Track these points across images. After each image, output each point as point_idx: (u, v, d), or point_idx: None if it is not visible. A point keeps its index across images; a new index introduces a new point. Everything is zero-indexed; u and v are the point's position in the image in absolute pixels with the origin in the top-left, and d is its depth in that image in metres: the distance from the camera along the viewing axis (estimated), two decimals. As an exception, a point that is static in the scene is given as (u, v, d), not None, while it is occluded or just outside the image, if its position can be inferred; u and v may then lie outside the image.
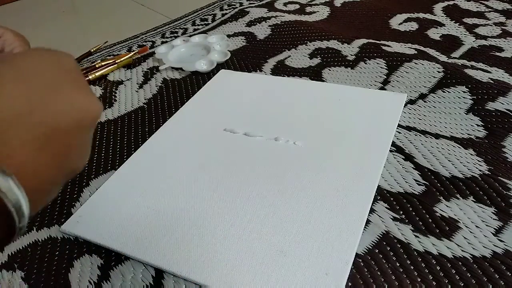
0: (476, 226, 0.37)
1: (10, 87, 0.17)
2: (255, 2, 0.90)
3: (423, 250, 0.35)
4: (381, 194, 0.41)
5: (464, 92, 0.52)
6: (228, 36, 0.76)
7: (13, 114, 0.17)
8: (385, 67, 0.59)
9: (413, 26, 0.72)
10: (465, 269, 0.34)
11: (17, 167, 0.17)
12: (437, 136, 0.47)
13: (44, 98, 0.18)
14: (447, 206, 0.39)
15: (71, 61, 0.22)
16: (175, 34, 0.80)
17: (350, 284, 0.33)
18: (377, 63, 0.60)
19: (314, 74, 0.61)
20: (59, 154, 0.19)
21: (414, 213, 0.39)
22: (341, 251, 0.35)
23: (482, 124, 0.48)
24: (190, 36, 0.76)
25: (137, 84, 0.65)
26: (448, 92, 0.53)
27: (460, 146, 0.45)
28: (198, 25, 0.83)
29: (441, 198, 0.40)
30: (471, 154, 0.44)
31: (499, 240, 0.36)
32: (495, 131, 0.46)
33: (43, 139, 0.18)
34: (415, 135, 0.48)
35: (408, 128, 0.49)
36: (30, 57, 0.20)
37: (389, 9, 0.80)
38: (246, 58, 0.68)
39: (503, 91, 0.51)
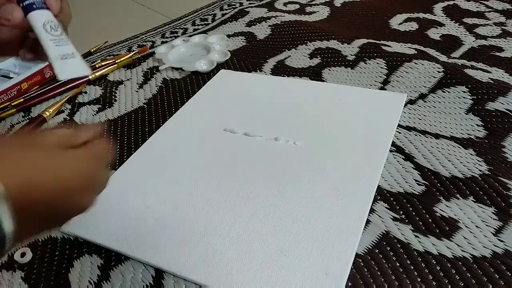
0: (476, 226, 0.37)
1: (41, 180, 0.24)
2: (255, 2, 0.90)
3: (423, 250, 0.35)
4: (381, 194, 0.41)
5: (464, 92, 0.52)
6: (228, 36, 0.76)
7: (36, 194, 0.23)
8: (385, 67, 0.59)
9: (413, 26, 0.72)
10: (465, 269, 0.34)
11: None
12: (437, 136, 0.47)
13: (62, 196, 0.25)
14: (447, 206, 0.39)
15: (91, 170, 0.28)
16: (175, 34, 0.80)
17: (350, 284, 0.33)
18: (377, 63, 0.60)
19: (314, 74, 0.61)
20: (45, 226, 0.27)
21: (414, 213, 0.39)
22: (341, 251, 0.35)
23: (482, 124, 0.48)
24: (190, 36, 0.76)
25: (137, 84, 0.65)
26: (448, 92, 0.53)
27: (460, 146, 0.45)
28: (198, 25, 0.83)
29: (441, 198, 0.40)
30: (471, 154, 0.44)
31: (499, 240, 0.36)
32: (495, 131, 0.46)
33: (44, 219, 0.25)
34: (415, 135, 0.48)
35: (408, 128, 0.49)
36: (70, 159, 0.27)
37: (389, 9, 0.80)
38: (246, 58, 0.68)
39: (503, 91, 0.51)
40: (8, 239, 0.22)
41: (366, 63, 0.61)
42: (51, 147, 0.26)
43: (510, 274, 0.33)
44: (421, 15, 0.75)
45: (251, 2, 0.90)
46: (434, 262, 0.34)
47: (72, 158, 0.27)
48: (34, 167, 0.24)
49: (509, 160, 0.43)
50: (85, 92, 0.64)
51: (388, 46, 0.64)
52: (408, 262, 0.35)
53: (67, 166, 0.26)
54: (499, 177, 0.41)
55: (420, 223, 0.38)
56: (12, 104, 0.61)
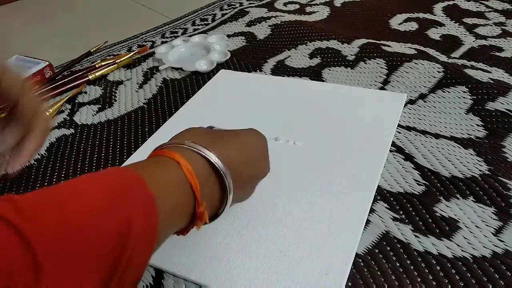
0: (476, 226, 0.37)
1: (235, 150, 0.31)
2: (255, 2, 0.90)
3: (423, 250, 0.35)
4: (381, 194, 0.41)
5: (464, 92, 0.52)
6: (228, 36, 0.76)
7: (236, 161, 0.31)
8: (385, 67, 0.59)
9: (413, 26, 0.72)
10: (465, 269, 0.34)
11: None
12: (437, 136, 0.47)
13: (249, 161, 0.33)
14: (447, 206, 0.39)
15: (264, 141, 0.35)
16: (175, 34, 0.80)
17: (350, 284, 0.33)
18: (377, 63, 0.60)
19: (314, 74, 0.61)
20: (241, 190, 0.33)
21: (414, 213, 0.39)
22: (341, 251, 0.35)
23: (482, 124, 0.48)
24: (190, 36, 0.76)
25: (137, 84, 0.65)
26: (448, 92, 0.53)
27: (460, 146, 0.45)
28: (198, 25, 0.83)
29: (441, 198, 0.40)
30: (471, 154, 0.44)
31: (499, 240, 0.36)
32: (495, 131, 0.46)
33: (240, 180, 0.31)
34: (415, 135, 0.48)
35: (408, 128, 0.49)
36: (247, 135, 0.34)
37: (389, 9, 0.80)
38: (246, 58, 0.68)
39: (503, 91, 0.51)
40: (230, 198, 0.30)
41: (366, 63, 0.61)
42: (222, 131, 0.34)
43: (510, 274, 0.33)
44: (421, 15, 0.75)
45: (251, 2, 0.90)
46: (434, 262, 0.34)
47: (239, 134, 0.33)
48: (222, 145, 0.31)
49: (509, 160, 0.43)
50: (85, 92, 0.64)
51: (388, 46, 0.64)
52: (408, 262, 0.35)
53: (243, 140, 0.33)
54: (499, 177, 0.41)
55: (420, 223, 0.38)
56: (12, 104, 0.61)
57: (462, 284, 0.33)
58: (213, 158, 0.28)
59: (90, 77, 0.66)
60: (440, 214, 0.38)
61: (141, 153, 0.49)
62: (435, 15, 0.75)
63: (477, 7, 0.76)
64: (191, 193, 0.27)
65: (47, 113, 0.58)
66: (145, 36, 0.81)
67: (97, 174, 0.24)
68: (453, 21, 0.72)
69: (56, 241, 0.19)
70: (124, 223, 0.22)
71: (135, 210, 0.22)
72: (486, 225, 0.37)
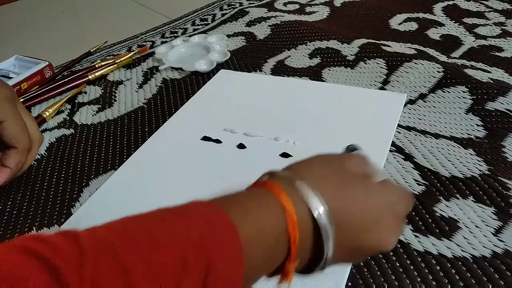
0: (476, 226, 0.37)
1: (358, 208, 0.24)
2: (255, 2, 0.90)
3: (423, 250, 0.35)
4: (381, 194, 0.41)
5: (464, 92, 0.52)
6: (228, 36, 0.76)
7: (352, 224, 0.24)
8: (385, 67, 0.59)
9: (413, 26, 0.72)
10: (465, 269, 0.34)
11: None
12: (437, 136, 0.47)
13: (372, 227, 0.24)
14: (447, 206, 0.39)
15: (401, 203, 0.26)
16: (175, 34, 0.80)
17: (350, 284, 0.33)
18: (377, 63, 0.60)
19: (314, 74, 0.61)
20: (349, 256, 0.26)
21: (414, 213, 0.39)
22: (341, 251, 0.35)
23: (482, 124, 0.48)
24: (190, 36, 0.76)
25: (137, 84, 0.65)
26: (448, 92, 0.53)
27: (460, 146, 0.45)
28: (198, 25, 0.83)
29: (441, 198, 0.40)
30: (471, 154, 0.44)
31: (499, 240, 0.36)
32: (495, 131, 0.46)
33: (348, 246, 0.24)
34: (415, 135, 0.48)
35: (408, 128, 0.49)
36: (385, 190, 0.26)
37: (389, 9, 0.80)
38: (246, 58, 0.68)
39: (503, 91, 0.51)
40: (328, 261, 0.23)
41: (366, 63, 0.61)
42: (356, 175, 0.26)
43: (510, 274, 0.33)
44: (421, 15, 0.75)
45: (251, 2, 0.90)
46: (434, 262, 0.34)
47: (379, 191, 0.25)
48: (344, 194, 0.24)
49: (509, 160, 0.43)
50: (85, 92, 0.64)
51: (388, 46, 0.64)
52: (408, 262, 0.35)
53: (374, 197, 0.25)
54: (499, 177, 0.41)
55: (420, 223, 0.38)
56: (12, 104, 0.61)
57: (462, 284, 0.33)
58: (320, 215, 0.22)
59: (90, 77, 0.66)
60: (440, 214, 0.38)
61: (141, 153, 0.49)
62: (435, 15, 0.75)
63: (477, 7, 0.76)
64: (286, 245, 0.22)
65: (47, 113, 0.58)
66: (145, 36, 0.81)
67: (180, 214, 0.21)
68: (453, 21, 0.72)
69: None
70: (202, 278, 0.19)
71: (217, 267, 0.19)
72: (486, 225, 0.37)
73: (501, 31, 0.67)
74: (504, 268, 0.33)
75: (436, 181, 0.42)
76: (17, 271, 0.16)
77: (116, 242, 0.18)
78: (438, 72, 0.55)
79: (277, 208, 0.22)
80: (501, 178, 0.41)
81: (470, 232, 0.37)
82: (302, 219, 0.22)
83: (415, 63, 0.58)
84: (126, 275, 0.17)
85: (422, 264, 0.34)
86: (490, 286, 0.32)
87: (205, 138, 0.49)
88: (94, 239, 0.18)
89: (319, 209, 0.22)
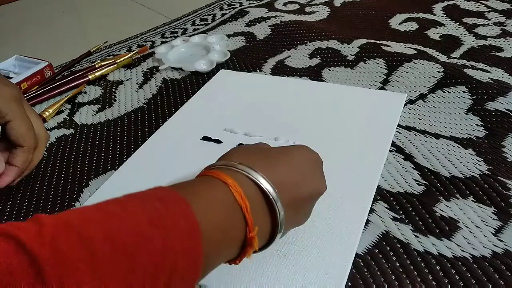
0: (476, 226, 0.37)
1: (285, 169, 0.29)
2: (255, 2, 0.90)
3: (423, 250, 0.35)
4: (381, 194, 0.41)
5: (464, 92, 0.52)
6: (228, 36, 0.76)
7: (287, 182, 0.28)
8: (385, 67, 0.59)
9: (413, 26, 0.72)
10: (465, 269, 0.34)
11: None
12: (437, 136, 0.47)
13: (302, 179, 0.30)
14: (447, 206, 0.39)
15: (317, 157, 0.33)
16: (175, 34, 0.80)
17: (350, 284, 0.33)
18: (377, 63, 0.60)
19: (314, 74, 0.61)
20: (296, 212, 0.30)
21: (414, 213, 0.39)
22: (341, 251, 0.35)
23: (482, 124, 0.48)
24: (190, 36, 0.76)
25: (137, 84, 0.65)
26: (448, 92, 0.53)
27: (460, 146, 0.45)
28: (198, 25, 0.83)
29: (441, 198, 0.40)
30: (471, 154, 0.44)
31: (499, 240, 0.36)
32: (495, 131, 0.46)
33: (293, 201, 0.29)
34: (415, 135, 0.48)
35: (408, 128, 0.49)
36: (298, 152, 0.31)
37: (389, 9, 0.80)
38: (246, 58, 0.68)
39: (503, 91, 0.51)
40: (282, 222, 0.28)
41: (366, 63, 0.61)
42: (272, 148, 0.32)
43: (510, 274, 0.33)
44: (421, 15, 0.75)
45: (251, 2, 0.90)
46: (434, 262, 0.34)
47: (294, 151, 0.31)
48: (270, 162, 0.29)
49: (509, 160, 0.43)
50: (85, 92, 0.64)
51: (388, 46, 0.64)
52: (408, 262, 0.35)
53: (293, 156, 0.31)
54: (499, 177, 0.41)
55: (420, 223, 0.38)
56: (12, 104, 0.61)
57: (462, 284, 0.33)
58: (263, 182, 0.27)
59: (90, 77, 0.66)
60: (440, 214, 0.38)
61: (141, 153, 0.49)
62: (435, 15, 0.75)
63: (477, 7, 0.76)
64: (241, 216, 0.25)
65: (47, 113, 0.58)
66: (145, 36, 0.81)
67: (137, 194, 0.23)
68: (453, 21, 0.72)
69: (72, 268, 0.18)
70: (159, 253, 0.20)
71: (174, 240, 0.21)
72: (486, 225, 0.37)
73: (501, 31, 0.67)
74: (504, 268, 0.33)
75: (436, 181, 0.42)
76: None
77: (73, 219, 0.20)
78: (438, 72, 0.55)
79: (221, 184, 0.26)
80: (501, 178, 0.41)
81: (470, 232, 0.37)
82: (247, 190, 0.26)
83: (415, 63, 0.58)
84: (85, 238, 0.19)
85: (422, 264, 0.34)
86: (490, 286, 0.32)
87: (205, 138, 0.49)
88: (53, 218, 0.20)
89: (258, 178, 0.27)
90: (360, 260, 0.35)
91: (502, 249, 0.35)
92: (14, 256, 0.17)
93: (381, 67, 0.59)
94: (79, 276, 0.18)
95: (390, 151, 0.46)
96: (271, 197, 0.27)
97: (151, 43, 0.78)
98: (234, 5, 0.89)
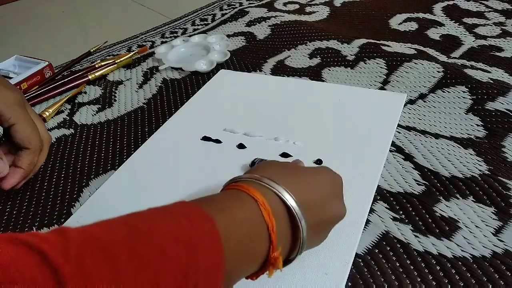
0: (476, 226, 0.37)
1: (312, 189, 0.29)
2: (255, 2, 0.90)
3: (423, 250, 0.35)
4: (381, 194, 0.41)
5: (464, 92, 0.52)
6: (228, 36, 0.76)
7: (312, 202, 0.28)
8: (385, 67, 0.59)
9: (413, 26, 0.72)
10: (465, 269, 0.34)
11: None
12: (436, 136, 0.47)
13: (327, 202, 0.30)
14: (447, 206, 0.39)
15: (340, 181, 0.32)
16: (175, 34, 0.80)
17: (350, 284, 0.33)
18: (377, 63, 0.60)
19: (314, 74, 0.61)
20: (316, 234, 0.29)
21: (414, 213, 0.39)
22: (340, 251, 0.35)
23: (482, 124, 0.48)
24: (190, 36, 0.76)
25: (137, 84, 0.65)
26: (448, 92, 0.53)
27: (460, 146, 0.45)
28: (198, 25, 0.83)
29: (441, 198, 0.40)
30: (471, 154, 0.44)
31: (499, 240, 0.36)
32: (495, 131, 0.46)
33: (316, 222, 0.28)
34: (415, 135, 0.48)
35: (408, 128, 0.49)
36: (324, 174, 0.31)
37: (389, 9, 0.80)
38: (246, 58, 0.68)
39: (503, 91, 0.51)
40: (304, 241, 0.27)
41: (366, 63, 0.61)
42: (300, 167, 0.32)
43: (510, 274, 0.33)
44: (421, 15, 0.75)
45: (251, 2, 0.90)
46: (434, 262, 0.34)
47: (320, 173, 0.31)
48: (299, 181, 0.29)
49: (509, 160, 0.43)
50: (85, 92, 0.64)
51: (388, 46, 0.64)
52: (408, 262, 0.35)
53: (319, 178, 0.31)
54: (499, 177, 0.41)
55: (420, 223, 0.38)
56: (12, 104, 0.61)
57: (462, 284, 0.33)
58: (289, 199, 0.26)
59: (90, 77, 0.66)
60: (440, 214, 0.38)
61: (141, 153, 0.49)
62: (435, 15, 0.75)
63: (477, 7, 0.76)
64: (267, 235, 0.25)
65: (47, 113, 0.58)
66: (145, 36, 0.81)
67: (163, 208, 0.23)
68: (453, 21, 0.72)
69: (96, 285, 0.18)
70: (183, 272, 0.20)
71: (198, 258, 0.21)
72: (486, 225, 0.37)
73: (501, 31, 0.67)
74: (504, 268, 0.33)
75: (436, 181, 0.42)
76: (5, 256, 0.17)
77: (99, 234, 0.20)
78: (438, 72, 0.55)
79: (250, 200, 0.25)
80: (501, 178, 0.41)
81: (470, 232, 0.37)
82: (274, 208, 0.26)
83: (415, 63, 0.58)
84: (110, 256, 0.19)
85: (422, 264, 0.34)
86: (490, 286, 0.32)
87: (205, 138, 0.49)
88: (79, 232, 0.20)
89: (286, 196, 0.26)
90: (360, 260, 0.35)
91: (502, 249, 0.35)
92: (38, 270, 0.17)
93: (381, 67, 0.59)
94: None
95: (390, 151, 0.46)
96: (296, 215, 0.26)
97: (151, 43, 0.78)
98: (234, 5, 0.89)
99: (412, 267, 0.34)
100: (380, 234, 0.37)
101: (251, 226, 0.25)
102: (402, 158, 0.45)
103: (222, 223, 0.23)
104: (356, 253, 0.35)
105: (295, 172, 0.30)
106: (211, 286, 0.21)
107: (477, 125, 0.48)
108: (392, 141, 0.47)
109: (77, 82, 0.65)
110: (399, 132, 0.48)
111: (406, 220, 0.38)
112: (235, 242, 0.23)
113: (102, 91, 0.64)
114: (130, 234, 0.21)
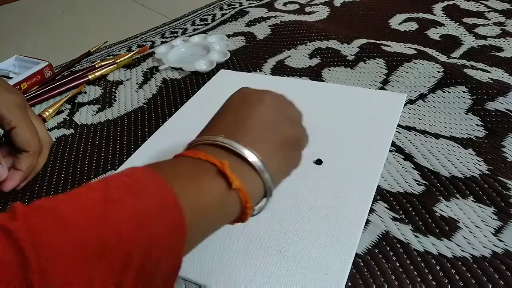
0: (476, 226, 0.37)
1: (257, 126, 0.30)
2: (254, 2, 0.90)
3: (423, 250, 0.35)
4: (381, 194, 0.41)
5: (463, 92, 0.52)
6: (228, 36, 0.76)
7: (261, 138, 0.29)
8: (385, 67, 0.59)
9: (413, 26, 0.72)
10: (464, 269, 0.34)
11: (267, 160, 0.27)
12: (436, 136, 0.47)
13: (275, 127, 0.30)
14: (447, 206, 0.39)
15: (280, 100, 0.34)
16: (175, 34, 0.80)
17: (350, 284, 0.33)
18: (377, 63, 0.60)
19: (314, 74, 0.61)
20: (281, 162, 0.29)
21: (414, 213, 0.39)
22: (340, 251, 0.35)
23: (482, 124, 0.48)
24: (190, 36, 0.76)
25: (137, 84, 0.65)
26: (448, 92, 0.53)
27: (460, 146, 0.45)
28: (198, 25, 0.83)
29: (441, 198, 0.40)
30: (471, 154, 0.44)
31: (498, 240, 0.36)
32: (495, 131, 0.46)
33: (273, 152, 0.28)
34: (415, 135, 0.48)
35: (408, 128, 0.49)
36: (261, 104, 0.32)
37: (389, 9, 0.80)
38: (246, 58, 0.68)
39: (503, 91, 0.51)
40: (269, 191, 0.27)
41: (365, 63, 0.61)
42: (237, 107, 0.33)
43: (510, 274, 0.33)
44: (421, 15, 0.75)
45: (251, 2, 0.90)
46: (434, 262, 0.34)
47: (263, 99, 0.33)
48: (254, 136, 0.29)
49: (509, 160, 0.43)
50: (85, 92, 0.64)
51: (388, 46, 0.64)
52: (408, 262, 0.35)
53: (262, 105, 0.32)
54: (499, 177, 0.41)
55: (420, 223, 0.38)
56: (12, 104, 0.61)
57: (462, 284, 0.33)
58: (249, 156, 0.26)
59: (90, 77, 0.66)
60: (440, 214, 0.38)
61: (141, 153, 0.49)
62: (435, 15, 0.75)
63: (477, 7, 0.76)
64: (236, 196, 0.25)
65: (47, 113, 0.58)
66: (145, 36, 0.81)
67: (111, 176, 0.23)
68: (453, 21, 0.72)
69: (47, 242, 0.18)
70: (134, 220, 0.20)
71: (153, 210, 0.21)
72: (486, 225, 0.37)
73: (501, 31, 0.67)
74: (504, 268, 0.33)
75: (436, 181, 0.42)
76: None
77: (44, 201, 0.21)
78: (438, 72, 0.55)
79: (209, 167, 0.26)
80: (501, 178, 0.41)
81: (470, 232, 0.37)
82: (240, 171, 0.26)
83: (415, 63, 0.58)
84: (58, 214, 0.20)
85: (422, 264, 0.34)
86: (490, 286, 0.32)
87: None
88: (29, 205, 0.20)
89: (244, 151, 0.27)
90: (360, 260, 0.35)
91: (502, 249, 0.35)
92: None
93: (381, 67, 0.59)
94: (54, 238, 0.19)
95: (390, 151, 0.46)
96: (258, 170, 0.26)
97: (151, 43, 0.78)
98: (234, 5, 0.89)
99: (412, 267, 0.34)
100: (380, 234, 0.37)
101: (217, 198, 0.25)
102: (402, 158, 0.45)
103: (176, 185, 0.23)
104: (356, 253, 0.35)
105: (240, 119, 0.31)
106: (169, 241, 0.22)
107: (477, 125, 0.48)
108: (392, 141, 0.47)
109: (77, 82, 0.65)
110: (399, 132, 0.48)
111: (406, 220, 0.38)
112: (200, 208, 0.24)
113: (102, 91, 0.64)
114: (75, 196, 0.21)
